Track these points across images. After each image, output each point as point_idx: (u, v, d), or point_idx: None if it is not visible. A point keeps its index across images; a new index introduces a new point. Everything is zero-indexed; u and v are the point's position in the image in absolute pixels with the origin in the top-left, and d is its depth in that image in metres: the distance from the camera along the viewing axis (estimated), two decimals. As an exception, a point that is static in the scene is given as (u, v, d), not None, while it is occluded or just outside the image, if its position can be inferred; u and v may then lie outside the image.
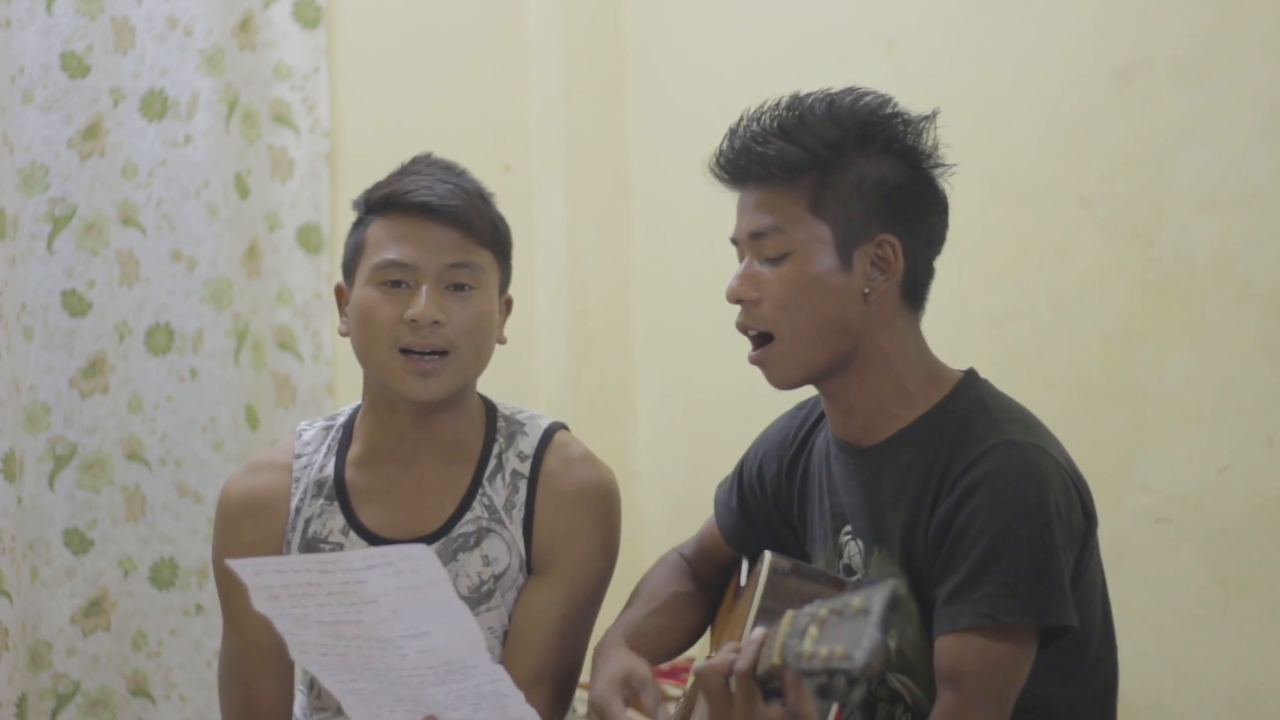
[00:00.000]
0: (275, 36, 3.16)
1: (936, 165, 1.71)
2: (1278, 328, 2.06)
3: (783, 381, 1.72)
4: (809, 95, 1.70)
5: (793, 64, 2.85)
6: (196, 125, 2.99)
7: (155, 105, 2.97)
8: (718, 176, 1.73)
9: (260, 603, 1.53)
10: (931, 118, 1.70)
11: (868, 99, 1.69)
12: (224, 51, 3.02)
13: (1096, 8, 2.31)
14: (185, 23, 2.99)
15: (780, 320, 1.68)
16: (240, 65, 3.09)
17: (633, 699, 1.74)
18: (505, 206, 1.95)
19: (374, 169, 2.05)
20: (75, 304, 2.87)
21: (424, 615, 1.49)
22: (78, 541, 2.87)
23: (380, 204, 1.88)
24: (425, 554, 1.46)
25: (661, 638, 1.89)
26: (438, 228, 1.85)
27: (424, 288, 1.83)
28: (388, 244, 1.86)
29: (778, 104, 1.70)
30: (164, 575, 2.96)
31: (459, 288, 1.85)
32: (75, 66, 2.85)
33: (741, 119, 1.72)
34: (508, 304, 1.96)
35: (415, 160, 1.95)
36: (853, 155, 1.67)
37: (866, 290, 1.66)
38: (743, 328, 1.72)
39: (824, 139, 1.66)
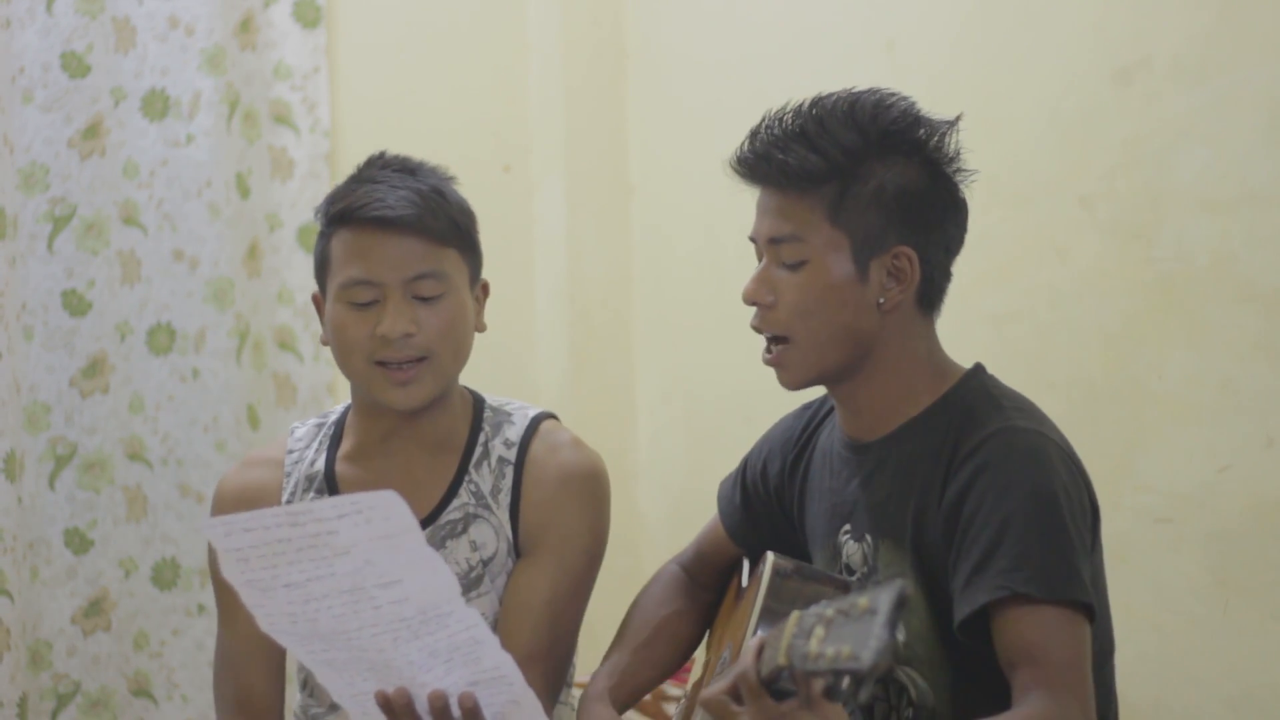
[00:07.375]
0: (275, 36, 3.16)
1: (958, 171, 1.71)
2: (1278, 328, 2.06)
3: (795, 383, 1.74)
4: (831, 97, 1.70)
5: (793, 64, 2.85)
6: (198, 125, 2.99)
7: (156, 105, 2.97)
8: (738, 175, 1.73)
9: (229, 569, 1.52)
10: (954, 124, 1.71)
11: (891, 105, 1.69)
12: (225, 51, 3.02)
13: (1096, 8, 2.31)
14: (186, 22, 2.99)
15: (795, 326, 1.69)
16: (241, 65, 3.09)
17: None
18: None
19: (374, 169, 2.03)
20: (75, 304, 2.86)
21: (396, 563, 1.49)
22: (78, 541, 2.87)
23: (338, 217, 1.89)
24: (395, 500, 1.47)
25: (651, 671, 1.91)
26: (396, 239, 1.86)
27: (390, 302, 1.85)
28: (350, 261, 1.87)
29: (800, 106, 1.70)
30: (166, 575, 2.96)
31: (425, 299, 1.86)
32: (75, 66, 2.85)
33: (763, 120, 1.72)
34: (484, 289, 1.97)
35: (370, 163, 1.96)
36: (874, 164, 1.67)
37: (881, 300, 1.68)
38: (757, 329, 1.73)
39: (845, 147, 1.66)
